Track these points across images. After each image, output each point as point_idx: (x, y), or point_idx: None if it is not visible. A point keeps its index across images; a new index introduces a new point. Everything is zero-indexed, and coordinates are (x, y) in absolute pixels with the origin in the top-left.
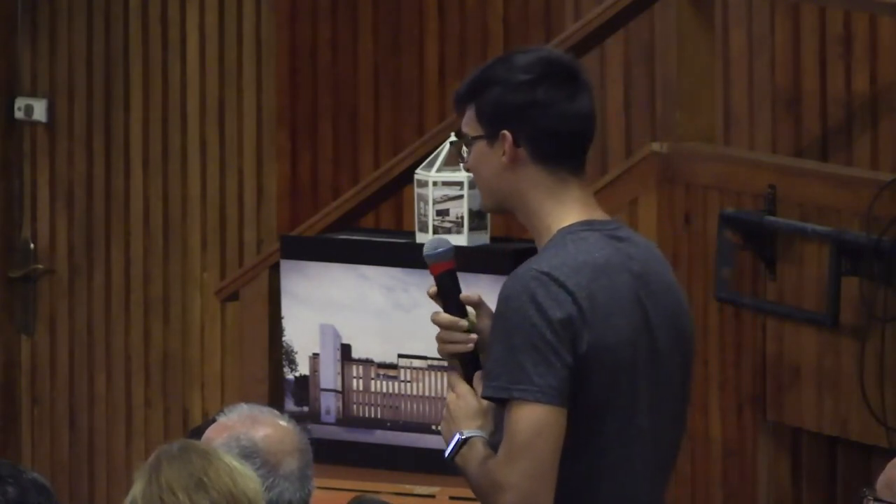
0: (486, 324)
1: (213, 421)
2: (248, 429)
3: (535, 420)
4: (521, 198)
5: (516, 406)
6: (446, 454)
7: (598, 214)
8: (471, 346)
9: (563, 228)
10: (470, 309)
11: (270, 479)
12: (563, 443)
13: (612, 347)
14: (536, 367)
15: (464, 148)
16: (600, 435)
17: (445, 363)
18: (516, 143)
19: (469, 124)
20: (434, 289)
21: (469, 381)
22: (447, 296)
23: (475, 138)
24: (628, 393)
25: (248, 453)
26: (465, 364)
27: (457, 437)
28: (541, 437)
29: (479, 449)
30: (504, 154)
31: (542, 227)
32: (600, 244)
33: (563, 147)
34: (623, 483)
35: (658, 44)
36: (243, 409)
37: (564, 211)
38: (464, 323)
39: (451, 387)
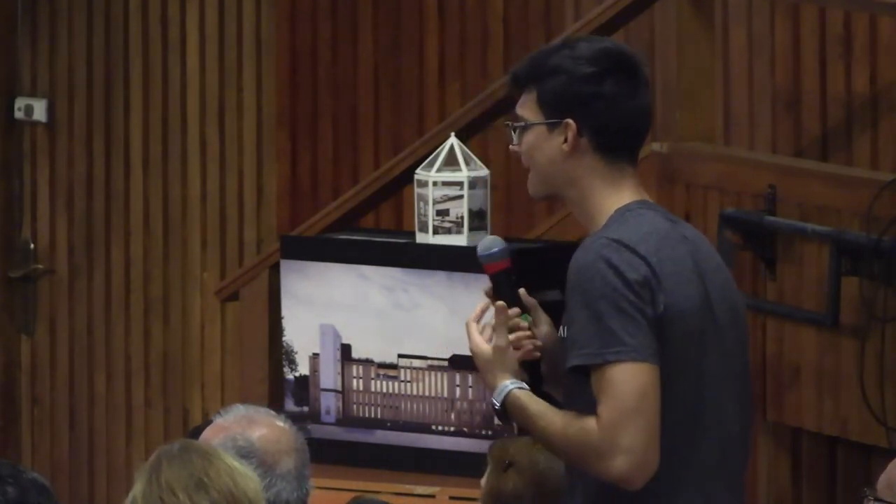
0: (543, 330)
1: (211, 422)
2: (245, 429)
3: (637, 379)
4: (576, 185)
5: (612, 369)
6: (496, 403)
7: (649, 198)
8: (538, 354)
9: (621, 207)
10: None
11: (267, 479)
12: None
13: (685, 312)
14: (626, 328)
15: (514, 130)
16: (670, 402)
17: (445, 363)
18: (580, 133)
19: (527, 107)
20: (490, 288)
21: (534, 388)
22: (503, 296)
23: (534, 124)
24: (697, 361)
25: (245, 453)
26: (530, 369)
27: (506, 386)
28: (647, 395)
29: (535, 400)
30: (565, 142)
31: (596, 211)
32: (658, 219)
33: (625, 139)
34: (695, 451)
35: (658, 44)
36: (239, 409)
37: (620, 193)
38: (524, 323)
39: (469, 335)
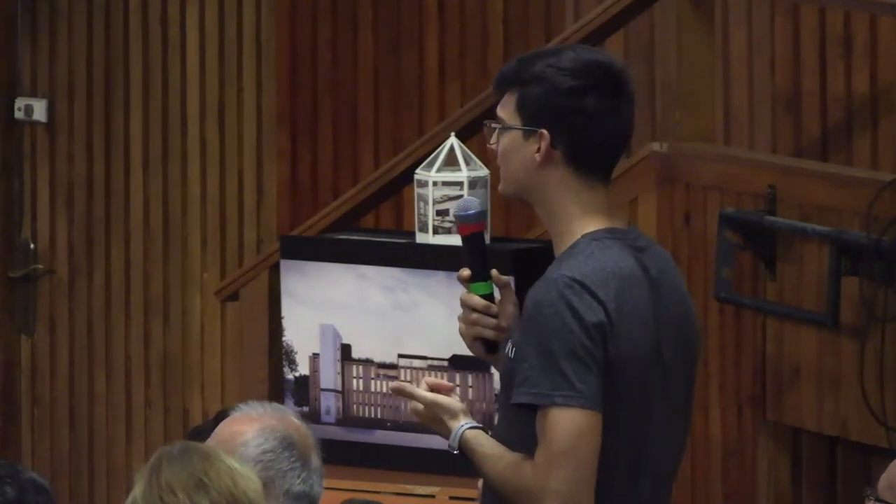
0: (508, 310)
1: (219, 417)
2: (280, 422)
3: (577, 425)
4: (545, 196)
5: (557, 412)
6: (454, 447)
7: (620, 222)
8: (501, 335)
9: (588, 234)
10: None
11: (304, 473)
12: None
13: (632, 360)
14: (577, 374)
15: (494, 131)
16: (612, 444)
17: (445, 363)
18: (553, 145)
19: (506, 110)
20: (467, 272)
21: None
22: (473, 260)
23: (510, 128)
24: (641, 406)
25: (287, 445)
26: (487, 345)
27: (460, 428)
28: (583, 442)
29: (484, 442)
30: (538, 151)
31: (564, 230)
32: (623, 255)
33: (600, 157)
34: (630, 494)
35: (658, 44)
36: (264, 404)
37: (589, 216)
38: (494, 308)
39: (412, 396)
